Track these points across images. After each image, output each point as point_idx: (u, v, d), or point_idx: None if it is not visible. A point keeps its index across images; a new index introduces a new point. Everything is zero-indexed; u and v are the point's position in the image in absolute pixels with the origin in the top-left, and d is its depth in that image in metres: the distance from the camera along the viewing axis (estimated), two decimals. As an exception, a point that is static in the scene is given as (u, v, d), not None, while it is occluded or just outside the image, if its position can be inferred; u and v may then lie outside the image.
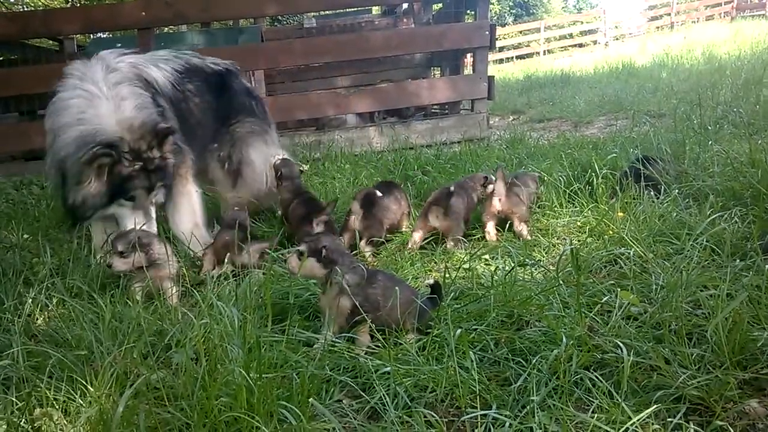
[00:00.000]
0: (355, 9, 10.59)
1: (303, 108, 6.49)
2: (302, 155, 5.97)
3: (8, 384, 1.84)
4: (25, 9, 13.30)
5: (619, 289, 2.25)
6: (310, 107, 6.49)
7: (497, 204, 3.24)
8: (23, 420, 1.67)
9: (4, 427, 1.63)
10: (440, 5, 8.86)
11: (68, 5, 14.32)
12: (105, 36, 7.75)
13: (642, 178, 3.27)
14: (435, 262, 3.01)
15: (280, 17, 17.12)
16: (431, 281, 2.34)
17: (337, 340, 2.09)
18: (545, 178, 3.72)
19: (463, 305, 2.34)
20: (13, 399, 1.73)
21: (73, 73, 3.07)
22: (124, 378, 1.83)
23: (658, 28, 25.25)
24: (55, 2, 16.63)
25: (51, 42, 9.73)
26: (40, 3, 16.55)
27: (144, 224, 2.93)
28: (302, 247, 2.22)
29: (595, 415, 1.59)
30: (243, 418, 1.58)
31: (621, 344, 1.79)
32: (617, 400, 1.64)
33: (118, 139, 2.79)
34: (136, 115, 2.91)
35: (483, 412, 1.63)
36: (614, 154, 3.89)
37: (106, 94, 2.94)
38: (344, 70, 8.57)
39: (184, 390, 1.73)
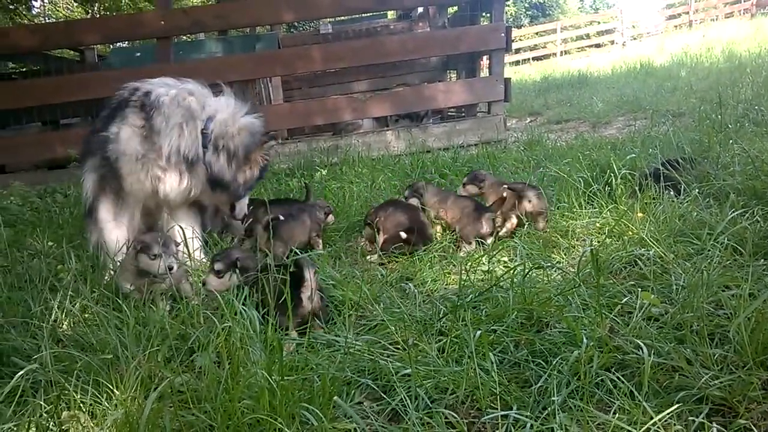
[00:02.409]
0: (371, 14, 10.64)
1: (320, 113, 6.53)
2: (320, 160, 6.01)
3: (37, 387, 1.88)
4: (47, 21, 13.54)
5: (639, 290, 2.24)
6: (327, 112, 6.53)
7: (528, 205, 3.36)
8: (52, 423, 1.71)
9: (33, 429, 1.66)
10: (455, 8, 8.86)
11: (88, 16, 14.55)
12: (125, 45, 7.86)
13: (662, 178, 3.25)
14: (453, 265, 3.02)
15: (296, 24, 17.24)
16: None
17: (357, 342, 2.11)
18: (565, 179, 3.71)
19: (482, 307, 2.35)
20: (42, 402, 1.76)
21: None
22: (148, 381, 1.86)
23: (676, 26, 24.96)
24: (76, 14, 16.92)
25: (72, 53, 9.91)
26: (61, 15, 16.85)
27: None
28: (219, 266, 2.54)
29: (616, 416, 1.59)
30: (265, 420, 1.60)
31: (642, 345, 1.78)
32: (639, 401, 1.64)
33: (275, 134, 3.41)
34: None
35: (504, 413, 1.63)
36: (633, 155, 3.86)
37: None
38: (360, 75, 8.61)
39: (207, 393, 1.75)
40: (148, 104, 3.10)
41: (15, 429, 1.69)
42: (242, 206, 3.45)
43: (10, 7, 9.35)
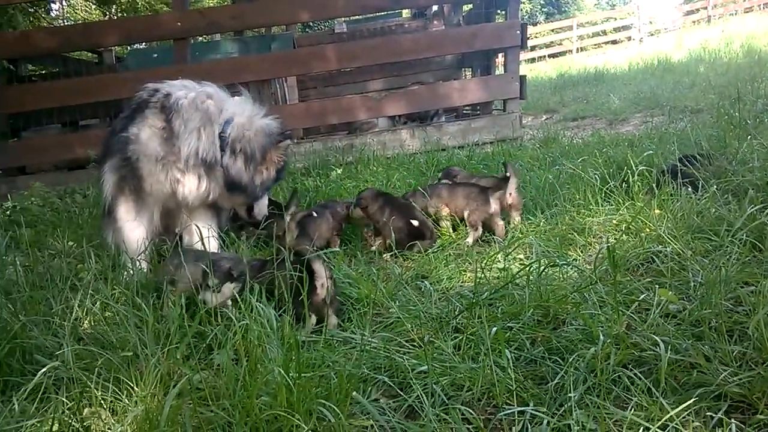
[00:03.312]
0: (385, 13, 10.65)
1: (335, 112, 6.55)
2: (335, 159, 6.03)
3: (59, 384, 1.91)
4: (65, 23, 13.72)
5: (657, 287, 2.23)
6: (342, 111, 6.55)
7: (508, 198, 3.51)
8: (74, 419, 1.74)
9: (56, 426, 1.69)
10: (470, 6, 8.84)
11: (106, 18, 14.72)
12: (142, 47, 7.94)
13: (679, 175, 3.23)
14: (469, 263, 3.02)
15: (310, 23, 17.30)
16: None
17: (372, 339, 2.12)
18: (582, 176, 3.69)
19: (498, 305, 2.35)
20: (64, 399, 1.79)
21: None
22: (167, 379, 1.88)
23: (694, 22, 24.70)
24: (94, 15, 17.11)
25: (90, 54, 10.03)
26: (79, 17, 17.05)
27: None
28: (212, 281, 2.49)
29: (632, 412, 1.58)
30: (283, 416, 1.61)
31: (660, 341, 1.77)
32: (656, 398, 1.63)
33: (290, 132, 3.41)
34: None
35: (520, 409, 1.63)
36: (650, 151, 3.82)
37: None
38: (375, 74, 8.62)
39: (225, 390, 1.77)
40: (168, 106, 3.12)
41: (38, 425, 1.72)
42: (261, 208, 3.46)
43: (29, 10, 9.47)
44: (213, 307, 2.35)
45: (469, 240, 3.34)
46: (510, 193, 3.49)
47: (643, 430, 1.51)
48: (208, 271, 2.46)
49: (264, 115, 3.33)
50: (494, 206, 3.39)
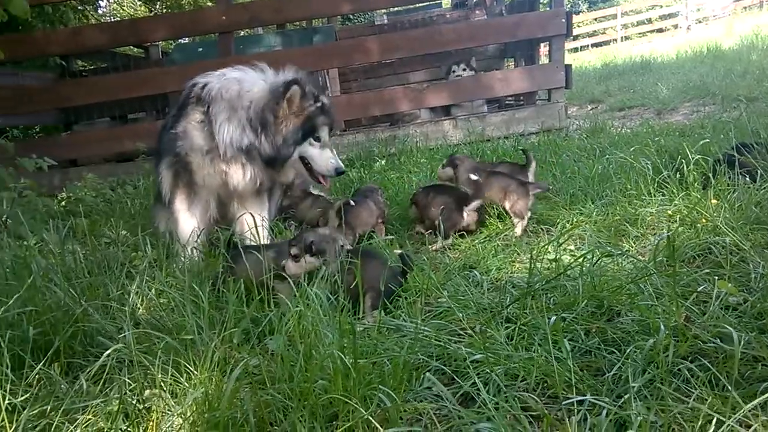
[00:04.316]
0: (426, 4, 10.59)
1: (377, 104, 6.56)
2: (378, 150, 6.04)
3: (120, 367, 1.97)
4: (112, 20, 14.05)
5: (716, 279, 2.17)
6: (384, 103, 6.55)
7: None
8: (136, 400, 1.79)
9: (120, 406, 1.75)
10: (513, -5, 8.73)
11: (152, 14, 15.03)
12: (186, 41, 8.07)
13: (737, 164, 3.12)
14: (518, 253, 2.99)
15: (350, 16, 17.31)
16: (398, 251, 2.65)
17: (427, 328, 2.12)
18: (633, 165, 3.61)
19: (550, 295, 2.32)
20: (127, 380, 1.85)
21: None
22: (223, 363, 1.92)
23: (745, 8, 23.81)
24: (139, 12, 17.48)
25: (136, 50, 10.26)
26: (125, 13, 17.45)
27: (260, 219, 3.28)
28: (294, 250, 2.53)
29: (693, 404, 1.55)
30: (339, 401, 1.63)
31: (725, 333, 1.72)
32: (718, 391, 1.59)
33: (299, 78, 3.15)
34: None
35: (583, 398, 1.61)
36: (706, 140, 3.70)
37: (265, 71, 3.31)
38: (416, 65, 8.58)
39: (281, 374, 1.80)
40: (203, 98, 3.17)
41: (103, 405, 1.78)
42: (313, 157, 3.25)
43: (79, 8, 9.74)
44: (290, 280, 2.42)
45: (518, 230, 3.30)
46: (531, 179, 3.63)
47: (706, 423, 1.47)
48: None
49: (276, 75, 3.26)
50: (531, 199, 3.43)
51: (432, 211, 3.37)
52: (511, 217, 3.40)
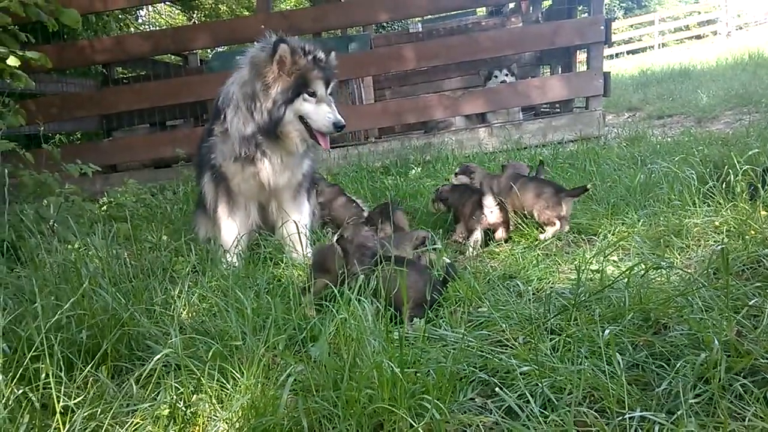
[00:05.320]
0: (461, 11, 10.57)
1: (412, 112, 6.55)
2: (413, 158, 6.03)
3: (168, 370, 1.99)
4: (152, 29, 14.36)
5: (767, 292, 2.11)
6: (418, 111, 6.55)
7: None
8: (182, 404, 1.82)
9: (168, 409, 1.77)
10: (549, 2, 8.64)
11: (191, 23, 15.32)
12: (223, 50, 8.19)
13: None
14: (559, 263, 2.95)
15: (385, 24, 17.36)
16: (446, 260, 2.68)
17: (469, 338, 2.10)
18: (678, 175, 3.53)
19: (594, 307, 2.28)
20: (174, 384, 1.87)
21: None
22: (267, 370, 1.93)
23: (788, 13, 23.24)
24: (177, 20, 17.81)
25: (175, 58, 10.46)
26: (163, 22, 17.80)
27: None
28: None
29: (749, 423, 1.50)
30: (385, 410, 1.63)
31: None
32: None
33: (284, 37, 3.07)
34: None
35: (632, 414, 1.57)
36: (756, 149, 3.59)
37: None
38: (451, 73, 8.55)
39: (326, 382, 1.80)
40: (221, 108, 3.26)
41: (151, 408, 1.80)
42: (305, 111, 3.13)
43: (120, 17, 9.98)
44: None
45: (548, 233, 3.31)
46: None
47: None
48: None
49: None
50: (566, 209, 3.39)
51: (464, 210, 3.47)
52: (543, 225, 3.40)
